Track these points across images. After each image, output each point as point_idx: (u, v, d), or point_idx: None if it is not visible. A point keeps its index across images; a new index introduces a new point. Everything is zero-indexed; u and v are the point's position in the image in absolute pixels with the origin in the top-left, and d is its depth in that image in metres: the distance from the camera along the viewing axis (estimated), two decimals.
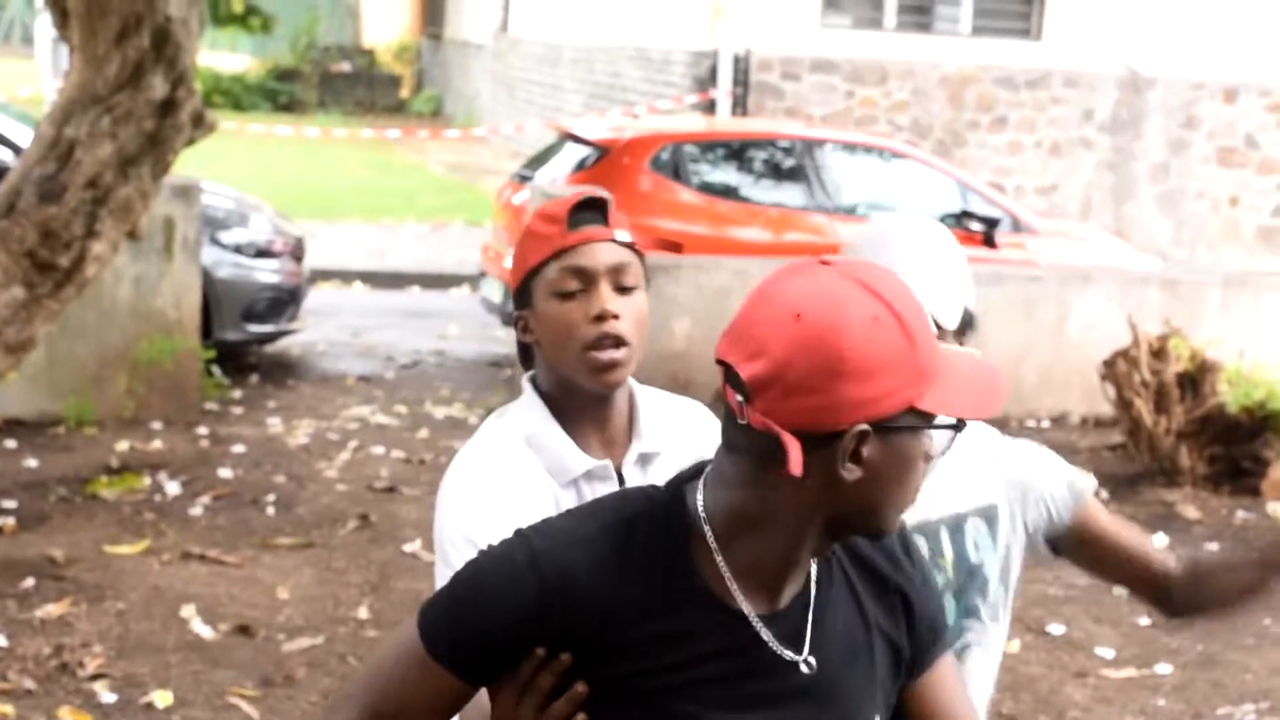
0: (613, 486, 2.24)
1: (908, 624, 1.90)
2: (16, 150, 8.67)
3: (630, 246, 2.28)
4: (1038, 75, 16.92)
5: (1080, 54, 17.12)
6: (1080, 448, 8.88)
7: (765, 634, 1.77)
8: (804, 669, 1.79)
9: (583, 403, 2.29)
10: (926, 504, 2.40)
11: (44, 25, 24.07)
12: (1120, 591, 6.59)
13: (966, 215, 10.31)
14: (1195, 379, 8.09)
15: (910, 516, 2.18)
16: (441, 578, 2.11)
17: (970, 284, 2.48)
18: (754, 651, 1.77)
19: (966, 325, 2.46)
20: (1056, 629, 6.15)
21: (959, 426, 1.78)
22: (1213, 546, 7.29)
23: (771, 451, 1.68)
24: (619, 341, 2.23)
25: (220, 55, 29.26)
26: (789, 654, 1.79)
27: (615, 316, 2.22)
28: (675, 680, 1.75)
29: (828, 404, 1.66)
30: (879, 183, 10.64)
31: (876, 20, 16.90)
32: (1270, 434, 7.96)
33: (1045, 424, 9.39)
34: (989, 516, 2.49)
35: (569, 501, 2.21)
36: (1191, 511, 7.74)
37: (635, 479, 2.27)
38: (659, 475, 2.16)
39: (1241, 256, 17.43)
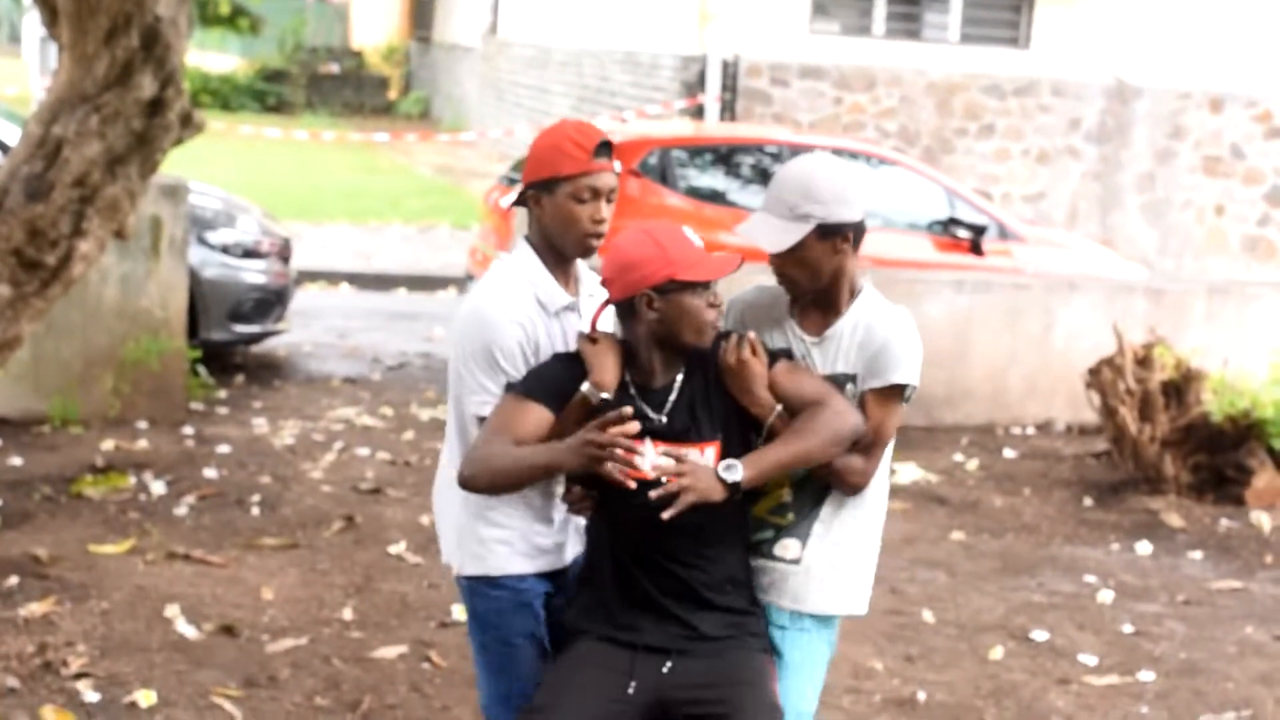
0: (576, 314, 3.57)
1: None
2: (4, 149, 8.66)
3: (617, 174, 3.55)
4: (1025, 84, 16.95)
5: (1068, 63, 17.16)
6: (1065, 455, 8.90)
7: (639, 400, 3.45)
8: (653, 419, 3.43)
9: (561, 258, 3.56)
10: (813, 363, 3.57)
11: (32, 24, 24.05)
12: (1104, 599, 6.62)
13: (954, 222, 10.32)
14: (1180, 387, 8.11)
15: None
16: (466, 376, 3.49)
17: (823, 207, 3.53)
18: (638, 408, 3.40)
19: (832, 233, 3.52)
20: (1039, 636, 6.16)
21: (703, 284, 3.38)
22: (1196, 554, 7.32)
23: (624, 313, 3.45)
24: (600, 235, 3.53)
25: (208, 55, 29.23)
26: (649, 411, 3.43)
27: (604, 220, 3.52)
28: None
29: (625, 283, 3.39)
30: (866, 189, 10.65)
31: (865, 27, 16.93)
32: (1254, 442, 7.98)
33: (1030, 431, 9.41)
34: (851, 380, 3.57)
35: (553, 326, 3.52)
36: (1175, 519, 7.76)
37: (587, 308, 3.57)
38: (593, 306, 3.54)
39: (1227, 266, 17.48)
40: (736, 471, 3.36)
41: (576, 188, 3.46)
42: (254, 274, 9.55)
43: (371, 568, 6.42)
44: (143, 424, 8.28)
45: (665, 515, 3.29)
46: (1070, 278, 10.01)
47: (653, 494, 3.30)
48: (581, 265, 3.64)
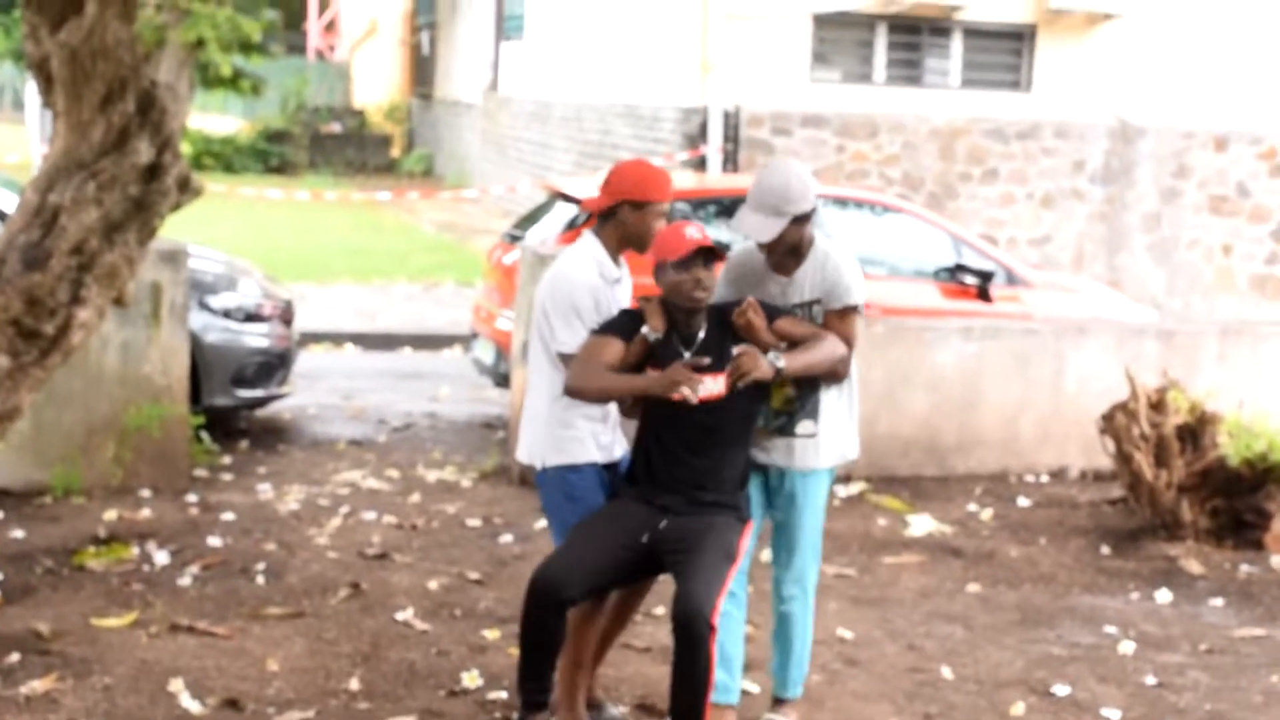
0: (627, 284, 5.18)
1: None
2: (2, 217, 8.61)
3: None
4: (1028, 127, 16.92)
5: (1070, 105, 17.14)
6: (1080, 502, 8.78)
7: (678, 343, 5.02)
8: (684, 355, 4.97)
9: (621, 250, 5.12)
10: (790, 295, 5.18)
11: (34, 91, 24.09)
12: (1125, 649, 6.49)
13: (961, 269, 10.22)
14: (1195, 431, 8.01)
15: (785, 300, 5.18)
16: (564, 326, 4.99)
17: (783, 204, 5.07)
18: (674, 348, 5.01)
19: (802, 220, 5.11)
20: (1061, 690, 6.04)
21: (680, 262, 4.88)
22: (1217, 601, 7.20)
23: (658, 282, 5.07)
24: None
25: (210, 117, 29.29)
26: (683, 350, 5.01)
27: None
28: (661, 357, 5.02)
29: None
30: (871, 237, 10.58)
31: (866, 74, 16.92)
32: (1272, 486, 7.87)
33: (1044, 478, 9.30)
34: (817, 302, 5.17)
35: (608, 292, 5.05)
36: (1195, 566, 7.64)
37: (625, 283, 5.20)
38: (629, 283, 5.23)
39: (1235, 305, 17.39)
40: (781, 360, 4.88)
41: (661, 211, 5.06)
42: (256, 338, 9.48)
43: (379, 635, 6.31)
44: (146, 492, 8.19)
45: (719, 392, 4.90)
46: (1080, 322, 9.92)
47: (726, 370, 4.87)
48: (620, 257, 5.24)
